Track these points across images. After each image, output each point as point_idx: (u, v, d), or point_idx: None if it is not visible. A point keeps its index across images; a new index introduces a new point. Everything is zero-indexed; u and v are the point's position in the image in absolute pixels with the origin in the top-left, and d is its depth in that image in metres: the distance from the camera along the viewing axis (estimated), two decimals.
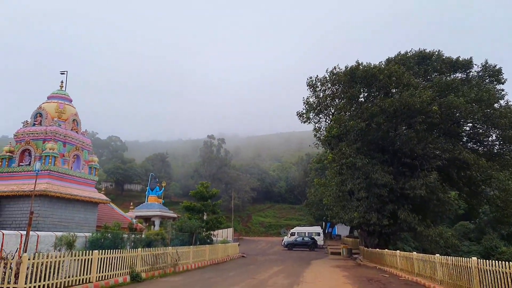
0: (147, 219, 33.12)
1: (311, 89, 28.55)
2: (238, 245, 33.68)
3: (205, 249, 22.24)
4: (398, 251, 18.48)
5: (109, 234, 13.64)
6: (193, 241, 20.92)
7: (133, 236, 16.25)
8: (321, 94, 29.75)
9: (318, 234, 44.14)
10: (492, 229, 54.33)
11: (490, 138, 25.44)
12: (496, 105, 24.09)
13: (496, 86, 24.02)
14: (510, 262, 8.56)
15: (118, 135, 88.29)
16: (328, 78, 27.04)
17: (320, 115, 30.55)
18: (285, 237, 45.13)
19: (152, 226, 31.41)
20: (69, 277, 11.01)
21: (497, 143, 25.62)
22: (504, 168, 23.95)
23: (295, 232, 44.43)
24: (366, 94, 25.91)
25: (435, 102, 22.43)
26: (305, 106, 30.80)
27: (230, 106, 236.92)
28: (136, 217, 31.88)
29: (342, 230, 56.83)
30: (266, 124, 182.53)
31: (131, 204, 32.89)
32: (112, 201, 49.26)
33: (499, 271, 8.66)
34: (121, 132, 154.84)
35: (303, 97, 30.34)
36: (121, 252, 13.54)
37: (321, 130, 30.61)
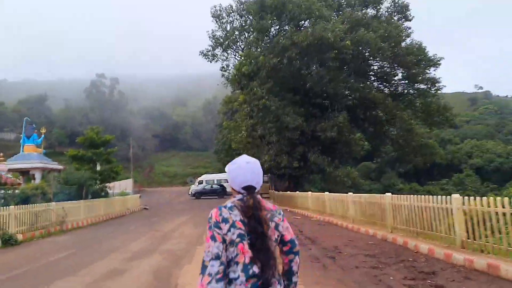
0: (25, 173, 29.70)
1: (216, 21, 27.23)
2: (140, 197, 32.60)
3: (99, 203, 20.84)
4: (310, 192, 19.50)
5: None
6: (83, 194, 19.30)
7: (1, 192, 14.17)
8: (228, 27, 28.67)
9: (227, 181, 44.90)
10: (390, 168, 61.81)
11: (396, 77, 27.53)
12: (403, 43, 25.81)
13: (404, 24, 25.61)
14: (420, 196, 9.33)
15: None
16: (235, 8, 25.91)
17: (228, 51, 29.71)
18: (192, 186, 45.14)
19: (32, 181, 28.29)
20: None
21: (402, 82, 27.87)
22: (407, 107, 26.36)
23: (203, 180, 44.60)
24: (277, 27, 25.56)
25: (348, 37, 23.09)
26: (211, 41, 29.54)
27: (124, 43, 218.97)
28: (10, 170, 28.33)
29: None
30: (170, 63, 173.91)
31: (1, 155, 28.96)
32: None
33: (412, 206, 9.41)
34: None
35: (208, 31, 28.96)
36: None
37: (229, 68, 29.93)
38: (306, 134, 24.93)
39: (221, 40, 28.52)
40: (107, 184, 23.51)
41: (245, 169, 2.12)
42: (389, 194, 10.88)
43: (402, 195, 10.34)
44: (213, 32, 28.00)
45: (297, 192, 22.58)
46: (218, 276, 1.85)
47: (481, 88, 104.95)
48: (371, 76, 28.31)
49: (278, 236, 2.05)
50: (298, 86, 26.47)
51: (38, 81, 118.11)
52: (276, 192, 29.26)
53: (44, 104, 72.03)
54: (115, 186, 29.10)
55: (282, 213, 2.13)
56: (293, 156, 25.43)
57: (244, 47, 27.27)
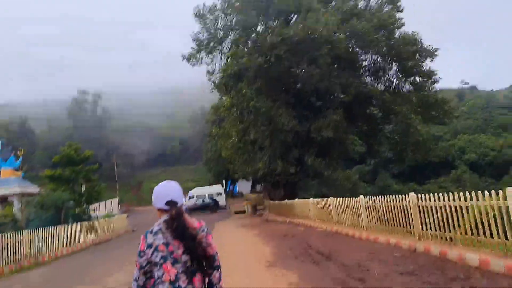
0: (3, 200, 27.44)
1: (200, 21, 25.63)
2: (127, 217, 30.51)
3: (81, 228, 18.82)
4: (311, 199, 17.83)
5: None
6: (62, 219, 17.32)
7: None
8: (212, 28, 27.12)
9: (220, 194, 43.05)
10: (384, 169, 60.63)
11: (391, 71, 26.17)
12: (397, 33, 24.52)
13: (396, 14, 24.36)
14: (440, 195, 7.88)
15: None
16: (219, 6, 24.40)
17: (213, 53, 28.09)
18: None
19: (12, 208, 26.07)
20: None
21: (395, 76, 26.46)
22: (404, 102, 24.99)
23: (194, 195, 42.59)
24: (264, 23, 24.05)
25: (340, 30, 21.73)
26: (195, 43, 27.93)
27: (105, 59, 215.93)
28: None
29: (243, 186, 57.03)
30: (155, 78, 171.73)
31: None
32: None
33: (445, 206, 7.84)
34: None
35: (191, 33, 27.36)
36: None
37: (215, 72, 28.31)
38: (300, 136, 23.36)
39: (206, 41, 26.92)
40: (88, 206, 21.56)
41: (166, 187, 2.49)
42: (413, 194, 9.27)
43: (431, 195, 8.71)
44: (196, 34, 26.41)
45: (296, 200, 20.88)
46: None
47: (467, 83, 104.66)
48: (364, 71, 26.94)
49: (201, 250, 2.35)
50: (288, 86, 24.96)
51: (20, 102, 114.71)
52: (272, 202, 27.51)
53: (26, 126, 69.41)
54: (100, 207, 27.09)
55: (206, 229, 2.46)
56: (288, 160, 23.81)
57: (230, 47, 25.68)
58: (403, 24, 24.02)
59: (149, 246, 2.23)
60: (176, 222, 2.27)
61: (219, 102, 36.38)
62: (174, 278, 2.18)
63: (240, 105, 23.24)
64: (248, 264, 9.06)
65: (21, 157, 32.37)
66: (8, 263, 12.58)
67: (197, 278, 2.32)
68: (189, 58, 28.07)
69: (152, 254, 2.21)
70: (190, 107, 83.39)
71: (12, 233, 13.33)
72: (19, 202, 26.45)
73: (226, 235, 16.77)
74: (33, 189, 28.77)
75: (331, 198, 15.02)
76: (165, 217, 2.31)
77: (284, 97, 24.73)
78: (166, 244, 2.24)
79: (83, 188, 21.67)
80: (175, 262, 2.23)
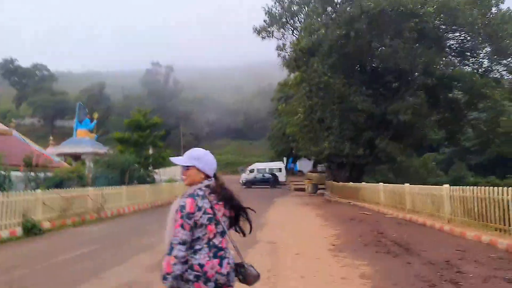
0: (77, 158, 28.97)
1: None
2: None
3: (144, 189, 19.05)
4: (381, 183, 16.38)
5: None
6: (126, 179, 17.54)
7: (31, 174, 12.55)
8: (287, 1, 25.81)
9: (280, 170, 42.33)
10: (459, 160, 55.68)
11: (482, 52, 23.09)
12: (493, 10, 21.41)
13: None
14: None
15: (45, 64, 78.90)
16: None
17: (285, 28, 26.81)
18: (243, 174, 43.03)
19: (84, 166, 27.48)
20: None
21: (487, 57, 23.34)
22: (497, 88, 21.99)
23: (254, 169, 42.32)
24: None
25: (429, 3, 19.33)
26: (267, 17, 26.82)
27: (181, 33, 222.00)
28: (61, 154, 27.71)
29: (304, 165, 55.78)
30: (226, 53, 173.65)
31: (51, 138, 28.37)
32: (40, 139, 44.07)
33: None
34: (49, 61, 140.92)
35: (264, 7, 26.25)
36: (3, 196, 9.92)
37: (285, 47, 27.04)
38: (374, 117, 21.53)
39: (278, 15, 25.72)
40: (154, 170, 21.81)
41: (212, 157, 2.62)
42: None
43: None
44: (269, 8, 25.30)
45: (364, 183, 19.42)
46: (183, 260, 2.26)
47: None
48: (451, 51, 24.06)
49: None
50: (364, 63, 23.05)
51: (99, 72, 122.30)
52: (335, 182, 26.13)
53: (103, 92, 73.47)
54: (165, 173, 27.55)
55: None
56: (358, 142, 22.20)
57: (303, 20, 24.18)
58: (502, 1, 20.86)
59: (199, 208, 2.34)
60: (223, 188, 2.53)
61: (286, 79, 35.18)
62: (212, 236, 2.38)
63: (310, 81, 21.88)
64: (312, 248, 8.07)
65: (95, 120, 33.99)
66: (71, 216, 12.80)
67: (225, 239, 2.49)
68: (260, 31, 27.07)
69: (201, 216, 2.33)
70: (258, 83, 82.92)
71: (78, 188, 13.55)
72: (90, 161, 27.87)
73: (287, 213, 15.90)
74: (104, 150, 30.11)
75: (406, 184, 13.52)
76: (206, 182, 2.47)
77: (358, 75, 22.94)
78: (212, 207, 2.40)
79: (149, 153, 21.96)
80: (217, 223, 2.40)
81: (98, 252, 8.10)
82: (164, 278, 2.21)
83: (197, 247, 2.33)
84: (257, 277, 2.54)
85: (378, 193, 16.52)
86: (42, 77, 74.15)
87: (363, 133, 22.24)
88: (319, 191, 29.35)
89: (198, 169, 2.49)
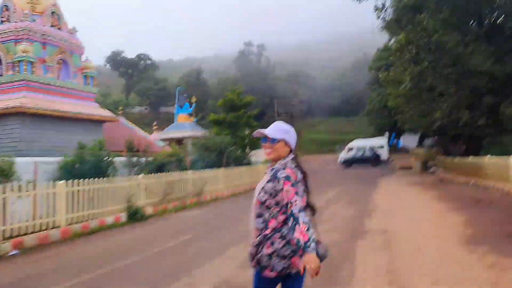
0: (179, 142, 30.32)
1: None
2: None
3: (241, 171, 18.87)
4: None
5: (88, 157, 10.17)
6: (224, 162, 17.49)
7: (134, 159, 12.92)
8: None
9: (382, 147, 39.34)
10: None
11: None
12: None
13: None
14: None
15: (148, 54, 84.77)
16: None
17: None
18: (341, 153, 41.05)
19: (185, 149, 28.64)
20: (21, 221, 7.85)
21: None
22: None
23: (353, 147, 40.00)
24: None
25: None
26: None
27: (270, 14, 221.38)
28: (165, 140, 29.21)
29: (408, 141, 51.67)
30: (314, 27, 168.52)
31: (154, 124, 29.94)
32: (147, 126, 47.48)
33: None
34: (152, 52, 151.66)
35: None
36: (108, 181, 10.20)
37: (385, 7, 24.33)
38: (497, 79, 18.28)
39: None
40: (249, 151, 21.61)
41: (295, 132, 2.55)
42: None
43: None
44: None
45: (487, 157, 16.64)
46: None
47: None
48: None
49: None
50: (483, 16, 19.62)
51: (196, 58, 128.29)
52: (449, 158, 23.21)
53: (200, 78, 76.54)
54: (258, 154, 27.38)
55: None
56: (478, 110, 19.16)
57: None
58: None
59: (299, 179, 2.35)
60: (299, 160, 2.47)
61: (387, 44, 32.12)
62: (304, 209, 2.29)
63: (418, 41, 19.28)
64: (438, 240, 6.66)
65: (194, 104, 35.16)
66: (172, 201, 12.96)
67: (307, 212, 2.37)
68: None
69: (299, 187, 2.31)
70: (353, 55, 78.70)
71: (178, 172, 13.68)
72: (190, 145, 28.91)
73: (396, 195, 14.25)
74: (203, 133, 31.10)
75: None
76: (292, 155, 2.44)
77: (476, 30, 19.60)
78: (304, 179, 2.39)
79: (245, 133, 21.79)
80: (302, 194, 2.34)
81: (195, 241, 7.74)
82: (306, 247, 2.12)
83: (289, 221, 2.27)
84: (325, 257, 2.34)
85: (507, 168, 13.91)
86: (146, 67, 79.85)
87: (482, 99, 19.12)
88: (430, 170, 26.54)
89: (285, 143, 2.44)
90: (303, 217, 2.18)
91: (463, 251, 5.81)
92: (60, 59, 16.57)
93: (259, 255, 2.29)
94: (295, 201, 2.21)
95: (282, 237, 2.27)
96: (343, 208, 11.31)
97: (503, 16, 19.42)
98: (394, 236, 7.14)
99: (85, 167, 9.83)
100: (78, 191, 9.20)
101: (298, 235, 2.14)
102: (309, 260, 2.11)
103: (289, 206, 2.22)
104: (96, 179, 9.76)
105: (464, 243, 6.30)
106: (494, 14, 19.88)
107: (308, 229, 2.15)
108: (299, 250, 2.17)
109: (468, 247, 5.95)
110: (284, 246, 2.26)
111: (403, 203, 11.85)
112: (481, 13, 19.69)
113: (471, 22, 20.01)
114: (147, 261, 6.21)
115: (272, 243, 2.28)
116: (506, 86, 18.79)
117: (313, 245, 2.13)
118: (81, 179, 9.31)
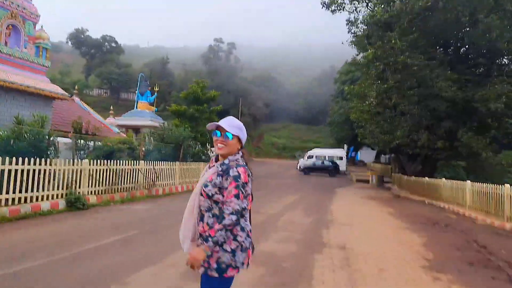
0: (136, 130, 28.93)
1: None
2: None
3: (199, 167, 18.08)
4: (468, 181, 13.93)
5: (25, 134, 9.01)
6: (180, 155, 16.61)
7: (80, 142, 11.81)
8: None
9: (341, 158, 39.85)
10: None
11: None
12: None
13: None
14: None
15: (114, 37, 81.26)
16: None
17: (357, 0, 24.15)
18: (301, 160, 41.17)
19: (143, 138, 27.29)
20: None
21: None
22: None
23: (313, 155, 40.25)
24: None
25: None
26: None
27: (243, 12, 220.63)
28: (121, 126, 27.72)
29: (366, 155, 52.94)
30: (285, 33, 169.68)
31: (111, 108, 28.42)
32: (105, 110, 45.25)
33: None
34: (118, 35, 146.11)
35: None
36: (48, 164, 9.13)
37: (357, 23, 24.47)
38: (456, 104, 18.72)
39: None
40: (209, 148, 20.82)
41: None
42: None
43: None
44: None
45: (443, 179, 16.93)
46: (229, 228, 2.16)
47: None
48: None
49: None
50: (450, 41, 20.10)
51: (165, 47, 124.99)
52: (405, 176, 23.62)
53: (166, 67, 74.47)
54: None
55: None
56: (436, 133, 19.58)
57: None
58: None
59: (250, 179, 2.32)
60: (247, 159, 2.43)
61: (354, 59, 32.48)
62: (249, 207, 2.37)
63: (385, 59, 19.40)
64: (399, 262, 6.28)
65: (155, 94, 33.75)
66: (120, 191, 11.99)
67: None
68: (329, 4, 24.60)
69: (246, 188, 2.26)
70: (321, 65, 79.72)
71: (128, 161, 12.70)
72: (147, 135, 27.62)
73: (353, 207, 14.04)
74: (162, 124, 29.84)
75: (506, 185, 11.12)
76: (241, 153, 2.40)
77: (442, 57, 20.04)
78: (251, 178, 2.37)
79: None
80: (249, 195, 2.31)
81: (137, 239, 6.92)
82: (205, 240, 2.13)
83: (246, 215, 2.32)
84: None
85: (462, 192, 14.13)
86: (110, 49, 76.52)
87: (442, 123, 19.56)
88: (385, 185, 26.96)
89: (239, 140, 2.41)
90: (229, 220, 2.14)
91: (427, 278, 5.44)
92: (10, 24, 15.02)
93: (219, 253, 2.20)
94: (231, 202, 2.17)
95: (242, 229, 2.30)
96: (300, 216, 10.86)
97: (466, 46, 20.08)
98: (352, 253, 6.71)
99: (22, 144, 8.69)
100: (10, 170, 8.10)
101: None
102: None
103: (225, 204, 2.19)
104: (33, 159, 8.68)
105: (427, 268, 5.95)
106: (459, 43, 20.52)
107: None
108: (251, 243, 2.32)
109: (431, 274, 5.59)
110: (246, 238, 2.30)
111: (360, 216, 11.58)
112: (448, 40, 20.19)
113: (438, 48, 20.42)
114: (74, 260, 5.33)
115: (234, 238, 2.25)
116: (464, 112, 19.32)
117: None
118: (16, 158, 8.22)
